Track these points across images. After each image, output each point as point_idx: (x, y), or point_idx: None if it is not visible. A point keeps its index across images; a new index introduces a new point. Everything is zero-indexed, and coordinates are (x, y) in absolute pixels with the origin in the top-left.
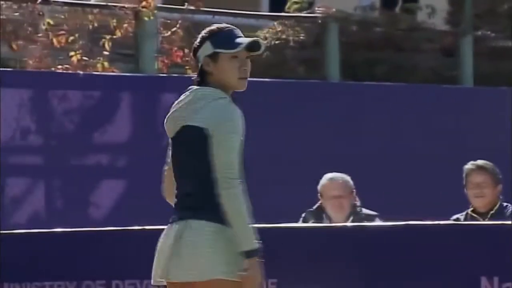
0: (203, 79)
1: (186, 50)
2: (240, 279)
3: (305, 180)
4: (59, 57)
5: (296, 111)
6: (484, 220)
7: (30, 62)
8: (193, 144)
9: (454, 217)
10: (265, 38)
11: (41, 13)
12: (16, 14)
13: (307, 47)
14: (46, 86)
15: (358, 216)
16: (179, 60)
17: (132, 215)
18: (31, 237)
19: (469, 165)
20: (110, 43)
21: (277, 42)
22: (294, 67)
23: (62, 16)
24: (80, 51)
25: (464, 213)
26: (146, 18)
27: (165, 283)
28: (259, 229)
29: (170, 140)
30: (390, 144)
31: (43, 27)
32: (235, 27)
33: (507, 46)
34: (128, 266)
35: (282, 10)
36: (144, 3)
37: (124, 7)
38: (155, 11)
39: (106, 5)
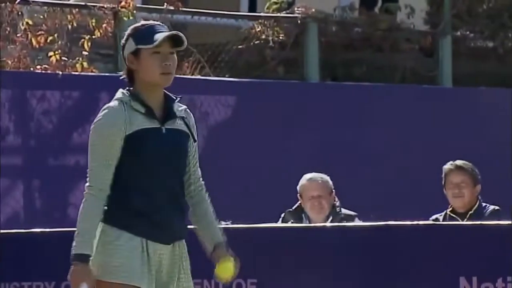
0: (131, 78)
1: None
2: (125, 282)
3: (284, 180)
4: (38, 57)
5: (275, 112)
6: (463, 220)
7: (9, 62)
8: None
9: (433, 217)
10: (245, 38)
11: (20, 13)
12: None
13: (286, 47)
14: (25, 86)
15: (337, 216)
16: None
17: None
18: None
19: (448, 165)
20: (89, 43)
21: (256, 42)
22: (273, 67)
23: (41, 16)
24: (59, 51)
25: (443, 213)
26: (125, 18)
27: None
28: (239, 229)
29: None
30: (368, 143)
31: (22, 27)
32: (160, 23)
33: (486, 47)
34: None
35: (261, 10)
36: (123, 3)
37: (103, 7)
38: (134, 11)
39: (85, 5)
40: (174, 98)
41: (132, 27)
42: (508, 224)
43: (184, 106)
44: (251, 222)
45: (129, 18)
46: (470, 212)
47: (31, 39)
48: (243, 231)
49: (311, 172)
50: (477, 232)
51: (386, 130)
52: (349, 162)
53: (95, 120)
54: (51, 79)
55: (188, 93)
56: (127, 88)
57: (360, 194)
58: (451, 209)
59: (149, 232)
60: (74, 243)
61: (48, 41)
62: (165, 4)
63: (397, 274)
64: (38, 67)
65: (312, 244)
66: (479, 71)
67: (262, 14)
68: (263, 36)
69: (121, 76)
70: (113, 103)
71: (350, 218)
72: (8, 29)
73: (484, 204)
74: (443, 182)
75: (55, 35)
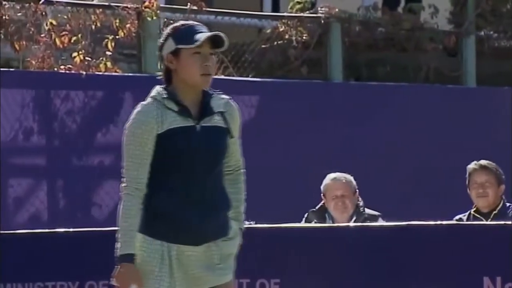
0: (169, 77)
1: None
2: None
3: (307, 179)
4: (62, 57)
5: (299, 112)
6: (487, 220)
7: (33, 62)
8: None
9: (457, 217)
10: (268, 38)
11: (44, 13)
12: (19, 14)
13: (309, 47)
14: (48, 86)
15: (361, 216)
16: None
17: None
18: (34, 238)
19: (472, 165)
20: (113, 43)
21: (279, 42)
22: (297, 67)
23: (65, 17)
24: (83, 51)
25: (467, 213)
26: (149, 18)
27: None
28: (263, 229)
29: None
30: (393, 144)
31: (46, 28)
32: (199, 23)
33: (510, 46)
34: None
35: (284, 10)
36: (146, 3)
37: (127, 7)
38: (158, 11)
39: (109, 5)
40: (212, 93)
41: (171, 26)
42: None
43: (226, 98)
44: (275, 222)
45: (152, 18)
46: (494, 212)
47: (55, 39)
48: (266, 231)
49: (334, 171)
50: (501, 232)
51: (410, 130)
52: (373, 161)
53: (128, 120)
54: (74, 79)
55: None
56: (164, 86)
57: (383, 193)
58: (475, 209)
59: (171, 234)
60: (117, 245)
61: (72, 41)
62: (189, 4)
63: (421, 274)
64: (62, 67)
65: (336, 244)
66: (503, 71)
67: (285, 14)
68: (287, 36)
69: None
70: (146, 101)
71: (373, 218)
72: (32, 29)
73: (508, 204)
74: (467, 182)
75: (79, 35)
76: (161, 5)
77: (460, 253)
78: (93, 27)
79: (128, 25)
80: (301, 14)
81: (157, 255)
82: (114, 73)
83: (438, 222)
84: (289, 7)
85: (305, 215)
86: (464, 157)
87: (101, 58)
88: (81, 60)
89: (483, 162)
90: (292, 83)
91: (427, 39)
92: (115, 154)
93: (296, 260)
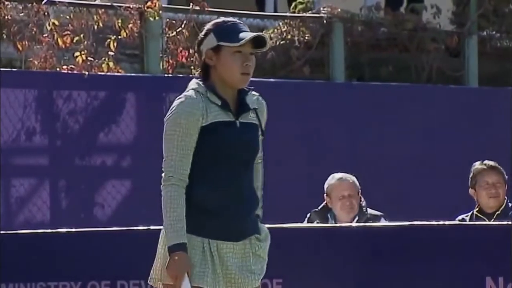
0: (206, 73)
1: (191, 51)
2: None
3: (309, 179)
4: (64, 57)
5: (301, 112)
6: (490, 220)
7: (35, 62)
8: None
9: (460, 217)
10: (270, 38)
11: (46, 13)
12: (21, 14)
13: (312, 47)
14: (51, 86)
15: (363, 216)
16: (184, 60)
17: (137, 215)
18: (36, 238)
19: (479, 165)
20: (115, 44)
21: (282, 42)
22: (299, 67)
23: (67, 17)
24: (85, 51)
25: (469, 213)
26: (151, 19)
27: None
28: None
29: None
30: (395, 144)
31: (48, 28)
32: (240, 22)
33: None
34: (133, 266)
35: (285, 10)
36: (149, 4)
37: (129, 7)
38: (160, 12)
39: (111, 6)
40: (247, 89)
41: (213, 22)
42: None
43: (257, 95)
44: (277, 222)
45: (155, 18)
46: (497, 213)
47: (57, 40)
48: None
49: (337, 171)
50: (503, 232)
51: (412, 130)
52: (375, 162)
53: (170, 109)
54: (77, 79)
55: None
56: (201, 80)
57: (385, 193)
58: (477, 209)
59: (211, 230)
60: (167, 237)
61: (74, 41)
62: (191, 4)
63: (423, 274)
64: (64, 67)
65: (338, 244)
66: (505, 71)
67: (287, 14)
68: (289, 36)
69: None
70: (189, 92)
71: (376, 218)
72: (35, 29)
73: (511, 204)
74: (472, 182)
75: (81, 35)
76: (163, 5)
77: (463, 253)
78: (95, 27)
79: (130, 25)
80: (304, 14)
81: (198, 250)
82: (116, 73)
83: (441, 222)
84: (291, 7)
85: (308, 215)
86: (466, 157)
87: (103, 58)
88: (83, 60)
89: (490, 162)
90: (294, 83)
91: (430, 39)
92: (118, 154)
93: (298, 260)
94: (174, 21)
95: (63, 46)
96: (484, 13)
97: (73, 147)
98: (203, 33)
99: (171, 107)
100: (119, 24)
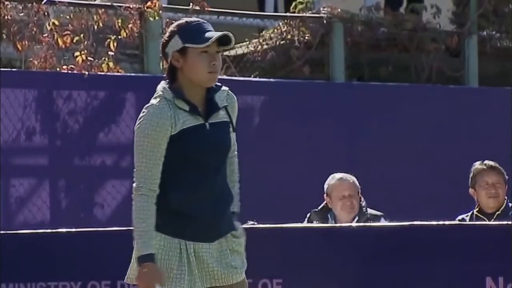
0: (174, 75)
1: None
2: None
3: (309, 180)
4: (64, 57)
5: (301, 112)
6: (490, 220)
7: (35, 62)
8: None
9: (460, 217)
10: (270, 38)
11: (46, 13)
12: (21, 14)
13: (312, 47)
14: (51, 86)
15: (363, 216)
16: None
17: None
18: (36, 237)
19: (479, 165)
20: (115, 44)
21: (282, 42)
22: (299, 67)
23: (67, 17)
24: (85, 51)
25: (469, 213)
26: (151, 18)
27: None
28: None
29: None
30: (395, 144)
31: (48, 28)
32: (204, 21)
33: None
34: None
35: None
36: (149, 4)
37: (129, 7)
38: (160, 11)
39: (111, 6)
40: (216, 86)
41: (176, 24)
42: None
43: (226, 89)
44: (277, 222)
45: (155, 18)
46: (497, 213)
47: (57, 39)
48: (268, 231)
49: (336, 171)
50: (503, 233)
51: (412, 130)
52: (375, 162)
53: (139, 119)
54: (77, 79)
55: None
56: (167, 82)
57: (385, 193)
58: (478, 209)
59: (187, 232)
60: (136, 247)
61: (74, 41)
62: (191, 4)
63: (423, 274)
64: (64, 67)
65: (338, 244)
66: (505, 71)
67: (287, 14)
68: (289, 36)
69: (148, 76)
70: (156, 101)
71: (376, 218)
72: (35, 29)
73: (511, 204)
74: (472, 182)
75: (81, 35)
76: (163, 5)
77: (463, 253)
78: (96, 27)
79: (130, 25)
80: (304, 14)
81: (175, 252)
82: (116, 73)
83: (441, 222)
84: (291, 7)
85: (307, 215)
86: (466, 157)
87: (103, 58)
88: (83, 60)
89: (490, 162)
90: (294, 83)
91: (429, 39)
92: (117, 154)
93: (298, 260)
94: (174, 21)
95: (63, 46)
96: (484, 13)
97: (73, 147)
98: (167, 35)
99: (140, 117)
100: (119, 24)
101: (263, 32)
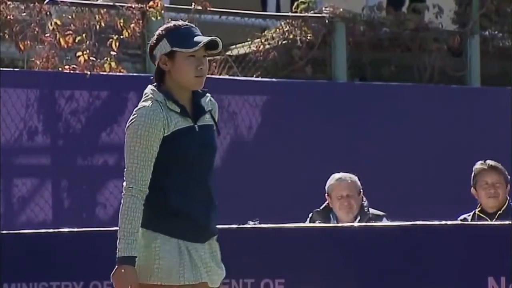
0: (161, 78)
1: None
2: (165, 283)
3: (311, 179)
4: (66, 57)
5: (303, 111)
6: (491, 220)
7: (37, 62)
8: None
9: (462, 217)
10: (272, 38)
11: (48, 13)
12: (24, 14)
13: (314, 47)
14: (53, 86)
15: (365, 216)
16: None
17: None
18: (39, 237)
19: (480, 165)
20: (117, 43)
21: (284, 42)
22: (301, 67)
23: (69, 16)
24: (88, 51)
25: (471, 213)
26: (153, 18)
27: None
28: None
29: None
30: (397, 144)
31: (50, 27)
32: (193, 25)
33: None
34: None
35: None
36: (151, 3)
37: (131, 7)
38: (163, 11)
39: (113, 5)
40: (201, 91)
41: (164, 27)
42: None
43: (209, 95)
44: (279, 222)
45: (157, 18)
46: (499, 212)
47: (59, 39)
48: (270, 231)
49: (339, 172)
50: (505, 232)
51: (414, 130)
52: (377, 161)
53: (131, 120)
54: (79, 79)
55: (216, 93)
56: (155, 85)
57: (387, 193)
58: (479, 209)
59: (185, 232)
60: (118, 246)
61: (76, 41)
62: (193, 4)
63: (425, 274)
64: (67, 67)
65: (340, 244)
66: (508, 70)
67: (289, 14)
68: (291, 36)
69: (150, 76)
70: (149, 103)
71: (378, 218)
72: (37, 29)
73: None
74: (473, 182)
75: (83, 35)
76: (166, 5)
77: (465, 253)
78: (98, 27)
79: (132, 25)
80: (306, 14)
81: (175, 251)
82: (118, 73)
83: (443, 222)
84: (293, 7)
85: (310, 215)
86: (468, 157)
87: (105, 58)
88: (85, 60)
89: (491, 162)
90: (296, 83)
91: (432, 39)
92: (120, 153)
93: (300, 260)
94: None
95: (65, 46)
96: (486, 13)
97: (75, 147)
98: (155, 38)
99: (131, 117)
100: (121, 24)
101: (265, 32)
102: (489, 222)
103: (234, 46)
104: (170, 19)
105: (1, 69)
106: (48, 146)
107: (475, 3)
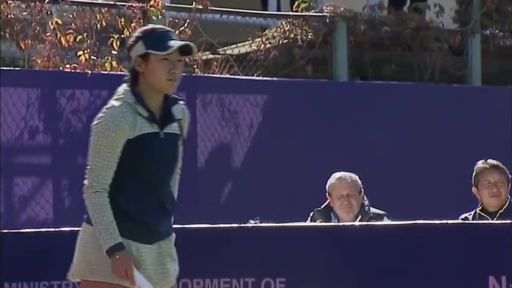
0: (135, 79)
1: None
2: (108, 280)
3: (312, 178)
4: (67, 56)
5: (304, 111)
6: (492, 219)
7: (38, 61)
8: None
9: (463, 216)
10: (273, 37)
11: (49, 12)
12: (24, 13)
13: (315, 46)
14: (54, 85)
15: (366, 215)
16: (186, 59)
17: None
18: (39, 236)
19: (482, 164)
20: (118, 43)
21: (285, 41)
22: (302, 66)
23: (70, 15)
24: (88, 50)
25: (472, 212)
26: (154, 18)
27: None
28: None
29: None
30: (398, 143)
31: (51, 26)
32: (169, 29)
33: None
34: None
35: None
36: (152, 3)
37: (132, 6)
38: (163, 11)
39: (114, 4)
40: (175, 98)
41: (142, 29)
42: None
43: (182, 104)
44: (280, 221)
45: (158, 17)
46: (500, 211)
47: (60, 38)
48: (272, 230)
49: (339, 171)
50: (506, 231)
51: (415, 129)
52: (378, 161)
53: (99, 118)
54: (80, 78)
55: (217, 92)
56: (129, 85)
57: (388, 192)
58: (480, 208)
59: (132, 233)
60: (103, 241)
61: (77, 40)
62: (194, 3)
63: (426, 273)
64: (67, 66)
65: (341, 243)
66: (508, 69)
67: (290, 13)
68: (292, 35)
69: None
70: (118, 103)
71: (379, 217)
72: (38, 28)
73: None
74: (475, 181)
75: (84, 34)
76: (167, 4)
77: (466, 252)
78: (99, 26)
79: (133, 24)
80: (307, 13)
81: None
82: (119, 72)
83: (444, 221)
84: (294, 6)
85: (310, 214)
86: (469, 156)
87: (106, 57)
88: (86, 59)
89: (493, 161)
90: (297, 82)
91: (433, 38)
92: None
93: (301, 259)
94: (177, 20)
95: (66, 45)
96: (487, 12)
97: (76, 146)
98: (132, 39)
99: (100, 115)
100: (122, 23)
101: (266, 31)
102: (490, 221)
103: (235, 45)
104: (171, 18)
105: (2, 68)
106: (49, 145)
107: (476, 2)
